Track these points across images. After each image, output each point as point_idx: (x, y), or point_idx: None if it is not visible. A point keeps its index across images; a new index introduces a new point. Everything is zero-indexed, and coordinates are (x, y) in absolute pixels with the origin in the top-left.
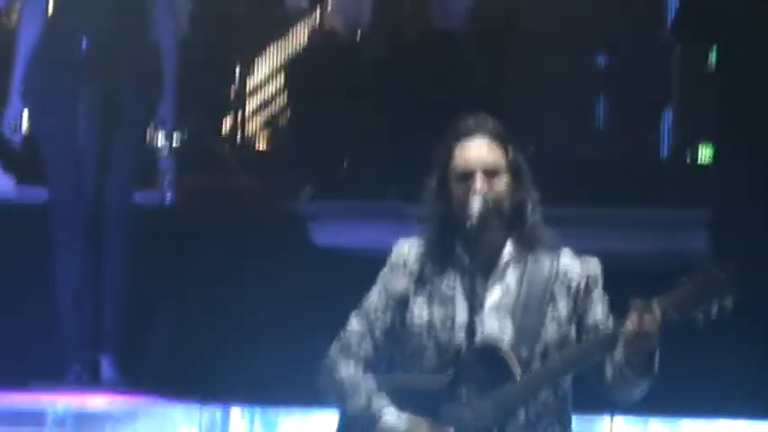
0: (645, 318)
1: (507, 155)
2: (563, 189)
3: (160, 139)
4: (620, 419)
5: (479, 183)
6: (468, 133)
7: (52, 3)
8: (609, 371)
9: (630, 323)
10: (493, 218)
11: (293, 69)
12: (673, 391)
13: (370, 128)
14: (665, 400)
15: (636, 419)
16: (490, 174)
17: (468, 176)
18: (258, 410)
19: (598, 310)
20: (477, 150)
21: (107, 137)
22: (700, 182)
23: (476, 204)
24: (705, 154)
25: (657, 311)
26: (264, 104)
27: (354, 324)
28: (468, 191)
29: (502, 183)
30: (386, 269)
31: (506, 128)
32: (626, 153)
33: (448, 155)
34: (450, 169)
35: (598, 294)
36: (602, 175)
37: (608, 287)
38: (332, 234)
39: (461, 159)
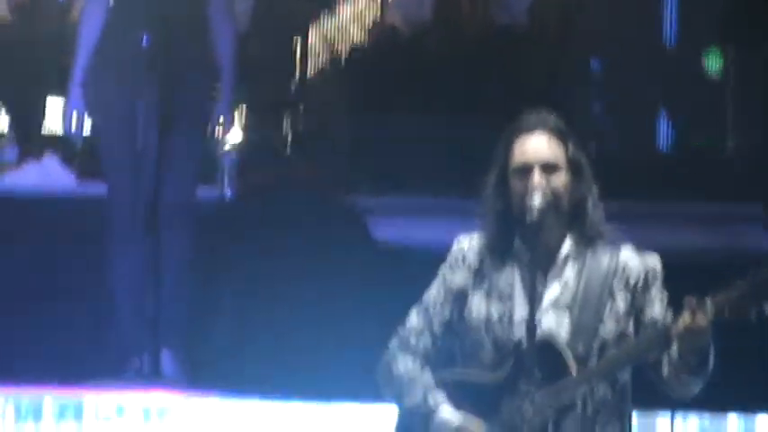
0: (697, 315)
1: (567, 150)
2: (622, 184)
3: (220, 136)
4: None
5: (538, 178)
6: (527, 129)
7: None
8: (665, 368)
9: (683, 320)
10: (552, 213)
11: (354, 64)
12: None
13: (429, 124)
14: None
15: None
16: (549, 169)
17: (526, 171)
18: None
19: (656, 307)
20: (536, 145)
21: (167, 134)
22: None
23: (535, 199)
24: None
25: (710, 310)
26: (325, 100)
27: (414, 319)
28: (526, 186)
29: (561, 178)
30: (446, 264)
31: (567, 124)
32: (686, 149)
33: (507, 150)
34: (509, 164)
35: (657, 290)
36: (661, 170)
37: (667, 284)
38: (391, 229)
39: (520, 154)
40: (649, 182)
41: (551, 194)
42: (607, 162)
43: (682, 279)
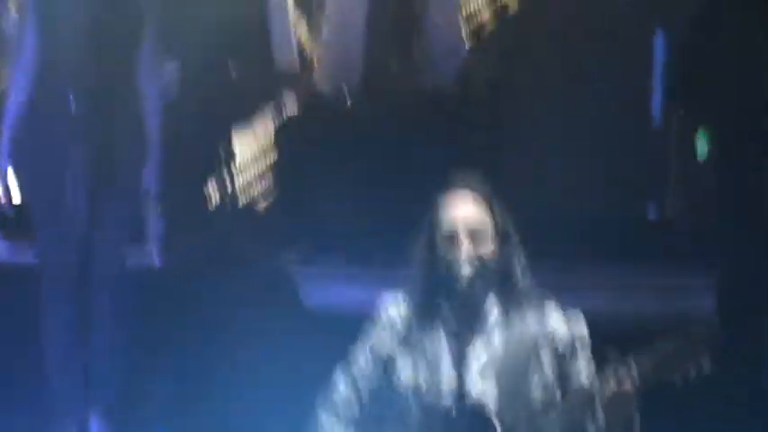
0: (622, 378)
1: (494, 216)
2: (549, 248)
3: (148, 202)
4: None
5: (465, 245)
6: (454, 195)
7: (40, 61)
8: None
9: (608, 386)
10: (479, 280)
11: (283, 131)
12: None
13: (362, 189)
14: None
15: None
16: (477, 235)
17: (454, 238)
18: None
19: (583, 375)
20: (464, 212)
21: (97, 196)
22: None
23: (463, 267)
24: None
25: (634, 371)
26: (255, 167)
27: (341, 385)
28: (454, 253)
29: (488, 244)
30: (372, 329)
31: (494, 187)
32: (612, 213)
33: (434, 216)
34: (436, 231)
35: (584, 357)
36: (587, 233)
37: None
38: (323, 295)
39: (448, 224)
40: (581, 245)
41: (479, 263)
42: (539, 225)
43: (613, 343)
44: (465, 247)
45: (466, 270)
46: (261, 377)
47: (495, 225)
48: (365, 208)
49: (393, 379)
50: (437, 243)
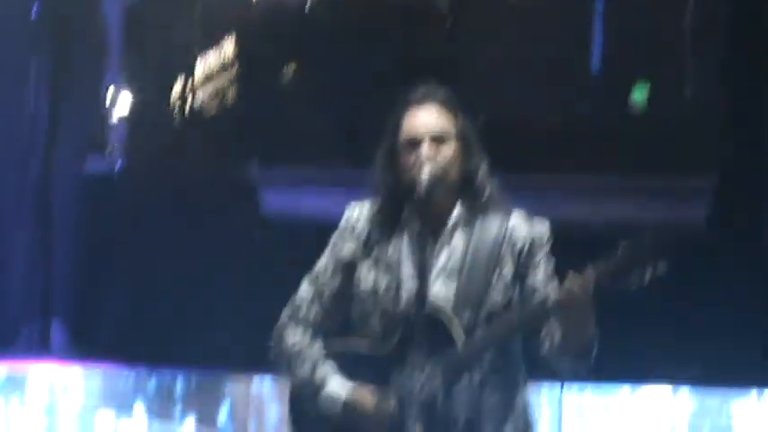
0: (577, 284)
1: (456, 122)
2: (512, 155)
3: (109, 106)
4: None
5: (427, 149)
6: (416, 101)
7: None
8: (546, 346)
9: (563, 289)
10: (441, 184)
11: (242, 34)
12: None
13: (321, 94)
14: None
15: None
16: (439, 140)
17: (416, 143)
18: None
19: (539, 274)
20: (426, 117)
21: (56, 106)
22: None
23: (425, 171)
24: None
25: (590, 278)
26: (213, 69)
27: (304, 289)
28: (416, 158)
29: (450, 149)
30: (336, 233)
31: (458, 95)
32: (578, 117)
33: (397, 122)
34: (398, 136)
35: (542, 257)
36: (552, 141)
37: (557, 254)
38: (282, 199)
39: (410, 126)
40: (550, 153)
41: (441, 166)
42: (501, 132)
43: (573, 249)
44: (426, 152)
45: (428, 174)
46: (221, 282)
47: (458, 131)
48: (327, 113)
49: (354, 282)
50: (399, 149)
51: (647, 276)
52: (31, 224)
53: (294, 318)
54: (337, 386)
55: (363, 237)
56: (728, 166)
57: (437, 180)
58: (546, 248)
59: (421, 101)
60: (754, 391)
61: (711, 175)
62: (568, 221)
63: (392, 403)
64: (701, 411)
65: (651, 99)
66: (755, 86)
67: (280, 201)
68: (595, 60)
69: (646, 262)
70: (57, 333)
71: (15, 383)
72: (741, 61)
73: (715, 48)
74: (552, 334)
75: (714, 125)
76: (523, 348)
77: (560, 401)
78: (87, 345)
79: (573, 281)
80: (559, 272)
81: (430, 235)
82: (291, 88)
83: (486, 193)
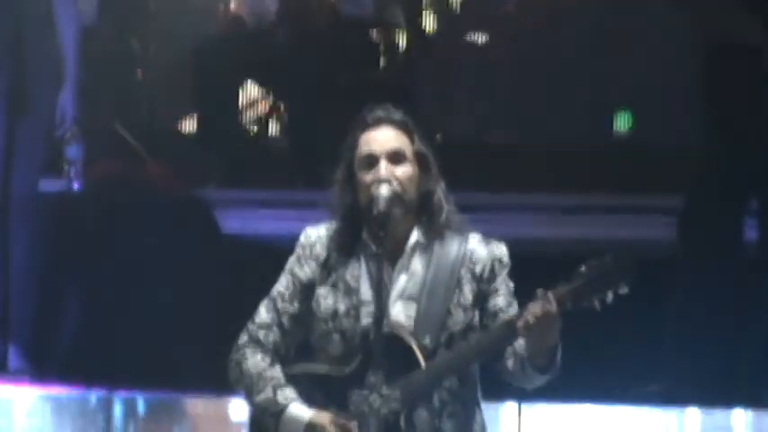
0: (542, 308)
1: (413, 142)
2: (473, 175)
3: (64, 127)
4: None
5: (384, 168)
6: (373, 121)
7: None
8: (510, 364)
9: (527, 314)
10: (399, 203)
11: (201, 56)
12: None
13: (279, 116)
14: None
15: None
16: (395, 160)
17: (373, 162)
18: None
19: (500, 297)
20: (382, 137)
21: (13, 123)
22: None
23: (382, 189)
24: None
25: (553, 302)
26: (173, 90)
27: (262, 313)
28: (373, 178)
29: (407, 169)
30: (293, 257)
31: (414, 116)
32: (537, 137)
33: (353, 143)
34: (355, 157)
35: (502, 280)
36: (513, 160)
37: (516, 274)
38: (240, 221)
39: (366, 145)
40: (502, 172)
41: (398, 184)
42: (459, 152)
43: (532, 270)
44: (383, 170)
45: (385, 192)
46: (179, 305)
47: (414, 151)
48: (285, 133)
49: (313, 306)
50: (356, 169)
51: (609, 296)
52: None
53: (252, 342)
54: (299, 410)
55: (321, 260)
56: (699, 185)
57: (395, 198)
58: (506, 271)
59: (377, 122)
60: (717, 412)
61: (681, 194)
62: (536, 241)
63: (353, 426)
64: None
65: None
66: (728, 109)
67: (238, 222)
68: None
69: (608, 283)
70: (13, 355)
71: None
72: (713, 83)
73: (686, 73)
74: (516, 352)
75: (684, 145)
76: (484, 367)
77: (519, 421)
78: (44, 367)
79: (536, 303)
80: (524, 292)
81: (388, 257)
82: (248, 109)
83: (444, 214)
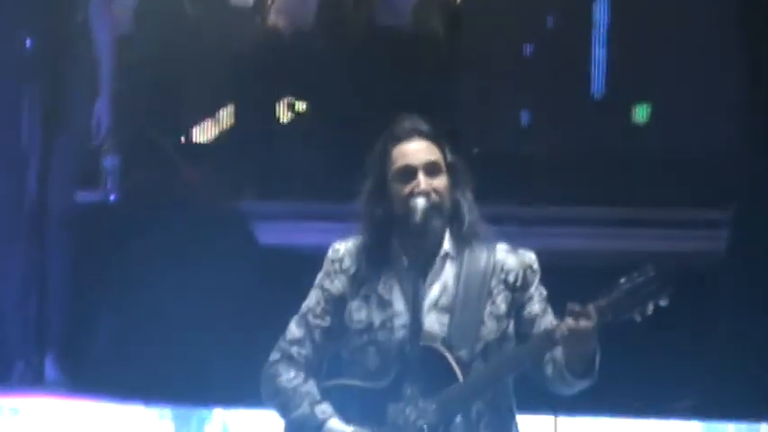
0: (581, 320)
1: (444, 154)
2: (504, 187)
3: (100, 138)
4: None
5: (423, 179)
6: (405, 134)
7: None
8: (549, 370)
9: (567, 326)
10: (437, 215)
11: (238, 67)
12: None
13: (315, 126)
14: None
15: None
16: (432, 172)
17: (410, 175)
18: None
19: (536, 304)
20: (418, 150)
21: (50, 137)
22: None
23: (420, 201)
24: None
25: (593, 314)
26: (210, 101)
27: (294, 329)
28: (410, 189)
29: (442, 180)
30: (322, 272)
31: (450, 126)
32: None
33: (384, 156)
34: (388, 170)
35: (535, 287)
36: (547, 171)
37: (549, 285)
38: (277, 233)
39: (401, 158)
40: (537, 184)
41: (436, 196)
42: (493, 163)
43: (567, 281)
44: (423, 182)
45: (424, 203)
46: (213, 316)
47: (447, 162)
48: (320, 144)
49: (345, 320)
50: (390, 182)
51: (650, 308)
52: (25, 256)
53: (285, 358)
54: (338, 425)
55: (351, 273)
56: (745, 198)
57: (433, 209)
58: (537, 277)
59: (410, 134)
60: (763, 425)
61: (727, 207)
62: (575, 254)
63: None
64: None
65: (666, 131)
66: None
67: (275, 234)
68: (600, 87)
69: (648, 294)
70: (50, 367)
71: (10, 418)
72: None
73: (731, 78)
74: (554, 358)
75: (728, 158)
76: (520, 378)
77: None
78: (81, 379)
79: (576, 314)
80: (563, 306)
81: (420, 268)
82: (287, 122)
83: (473, 224)
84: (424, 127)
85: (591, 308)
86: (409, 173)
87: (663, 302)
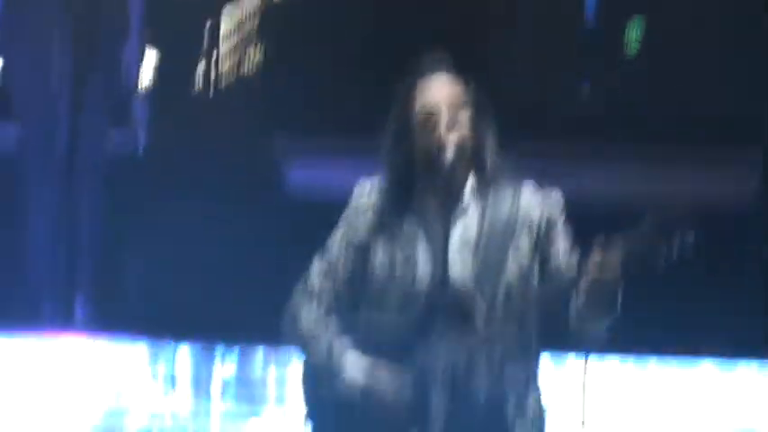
0: (608, 252)
1: (468, 89)
2: (531, 126)
3: (131, 78)
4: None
5: (447, 119)
6: (428, 72)
7: None
8: (572, 308)
9: (592, 260)
10: (462, 155)
11: (265, 11)
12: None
13: (342, 64)
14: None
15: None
16: (456, 109)
17: (434, 113)
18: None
19: (560, 245)
20: (441, 86)
21: (81, 80)
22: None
23: (449, 140)
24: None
25: (620, 245)
26: (240, 49)
27: (317, 267)
28: (435, 128)
29: (466, 118)
30: (346, 211)
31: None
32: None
33: (408, 93)
34: (411, 108)
35: (560, 228)
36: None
37: (577, 224)
38: (307, 171)
39: (425, 96)
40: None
41: (461, 135)
42: (517, 102)
43: (594, 220)
44: (447, 123)
45: (449, 152)
46: (242, 255)
47: (471, 98)
48: (348, 84)
49: (370, 258)
50: (414, 121)
51: (676, 243)
52: (55, 198)
53: (307, 294)
54: (355, 359)
55: (376, 213)
56: None
57: (460, 149)
58: (563, 218)
59: (432, 71)
60: None
61: (756, 147)
62: (606, 193)
63: (411, 378)
64: (726, 385)
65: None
66: None
67: (304, 172)
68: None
69: (675, 228)
70: (80, 307)
71: (40, 357)
72: None
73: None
74: (579, 294)
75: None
76: (546, 316)
77: (585, 372)
78: (112, 318)
79: (603, 246)
80: (586, 243)
81: (444, 209)
82: (313, 59)
83: (498, 162)
84: (449, 62)
85: (618, 239)
86: (434, 111)
87: (689, 238)
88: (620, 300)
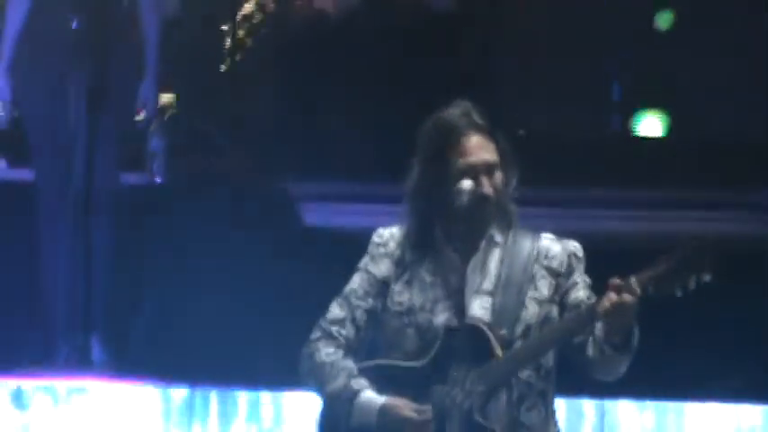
0: (623, 294)
1: (498, 147)
2: (544, 170)
3: (147, 120)
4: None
5: (485, 180)
6: (465, 129)
7: None
8: (590, 348)
9: (608, 299)
10: (491, 207)
11: (282, 48)
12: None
13: (361, 108)
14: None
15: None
16: (491, 169)
17: (472, 173)
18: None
19: (581, 290)
20: (479, 148)
21: (95, 119)
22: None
23: (480, 196)
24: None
25: (635, 287)
26: (253, 84)
27: (335, 310)
28: (474, 187)
29: (498, 177)
30: (365, 257)
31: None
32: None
33: (442, 149)
34: (447, 164)
35: (580, 274)
36: (580, 154)
37: (589, 268)
38: (321, 215)
39: (466, 157)
40: (594, 166)
41: (494, 192)
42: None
43: (606, 264)
44: (485, 180)
45: (483, 196)
46: (257, 298)
47: (501, 154)
48: (365, 125)
49: (388, 302)
50: (449, 172)
51: (692, 284)
52: (70, 238)
53: (325, 336)
54: (373, 395)
55: (395, 257)
56: None
57: (490, 203)
58: (582, 265)
59: (469, 130)
60: None
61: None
62: (620, 236)
63: (429, 413)
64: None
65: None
66: None
67: (319, 215)
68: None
69: (691, 268)
70: (96, 349)
71: (54, 399)
72: None
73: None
74: (594, 337)
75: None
76: (563, 360)
77: (602, 416)
78: (127, 361)
79: (618, 288)
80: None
81: (465, 253)
82: (330, 102)
83: (515, 209)
84: (481, 121)
85: (633, 281)
86: (472, 171)
87: (705, 278)
88: (635, 342)
